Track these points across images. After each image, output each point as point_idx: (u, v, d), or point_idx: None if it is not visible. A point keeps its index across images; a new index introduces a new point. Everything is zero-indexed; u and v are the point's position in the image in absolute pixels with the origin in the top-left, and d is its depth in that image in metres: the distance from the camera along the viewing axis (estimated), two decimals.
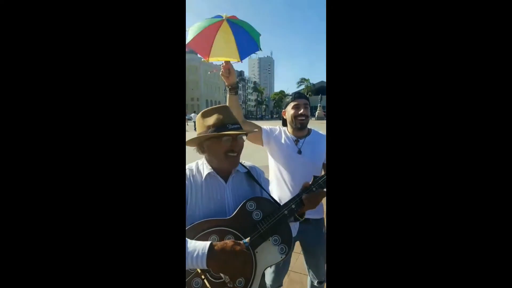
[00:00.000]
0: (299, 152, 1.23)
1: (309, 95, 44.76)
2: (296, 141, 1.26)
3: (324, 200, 1.30)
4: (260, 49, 1.32)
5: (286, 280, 1.76)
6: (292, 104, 1.26)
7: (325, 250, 1.32)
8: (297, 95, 1.29)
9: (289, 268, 1.81)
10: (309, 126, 1.33)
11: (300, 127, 1.25)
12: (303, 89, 45.70)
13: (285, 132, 1.32)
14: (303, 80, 46.94)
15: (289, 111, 1.27)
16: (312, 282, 1.40)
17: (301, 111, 1.23)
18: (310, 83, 47.06)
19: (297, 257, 1.99)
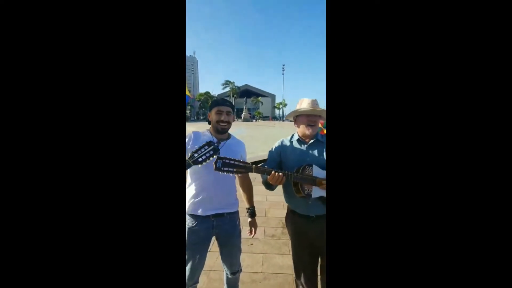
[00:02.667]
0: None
1: (235, 97, 45.72)
2: (218, 143, 1.40)
3: (241, 196, 1.46)
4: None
5: (205, 280, 1.84)
6: (215, 109, 1.39)
7: (239, 242, 1.48)
8: (221, 102, 1.41)
9: (209, 268, 1.90)
10: (237, 127, 1.45)
11: (221, 132, 1.39)
12: (228, 91, 46.31)
13: (208, 135, 1.43)
14: (228, 83, 47.57)
15: (212, 116, 1.40)
16: (227, 275, 1.52)
17: (223, 117, 1.37)
18: (235, 86, 48.10)
19: (217, 256, 2.10)
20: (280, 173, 1.19)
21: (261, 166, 1.36)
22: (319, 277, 1.41)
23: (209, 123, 1.47)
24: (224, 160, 1.13)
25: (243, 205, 1.53)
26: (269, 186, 1.33)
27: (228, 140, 1.45)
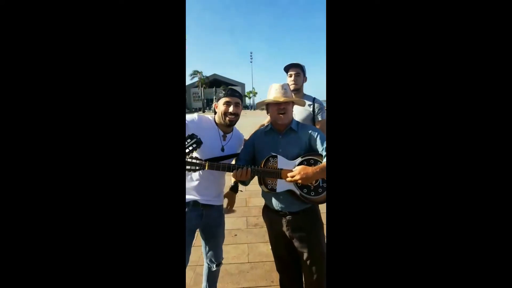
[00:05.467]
0: (222, 149, 1.30)
1: (204, 87, 44.46)
2: (224, 137, 1.32)
3: (226, 190, 1.42)
4: None
5: (192, 275, 1.80)
6: (223, 100, 1.27)
7: (223, 232, 1.45)
8: (230, 92, 1.30)
9: (195, 263, 1.86)
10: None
11: (229, 125, 1.29)
12: (197, 81, 44.87)
13: (214, 126, 1.32)
14: (195, 73, 45.96)
15: (220, 106, 1.29)
16: (210, 268, 1.48)
17: (231, 109, 1.27)
18: (203, 76, 46.66)
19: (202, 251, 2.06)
20: (246, 169, 1.13)
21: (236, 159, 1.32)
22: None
23: (215, 113, 1.35)
24: None
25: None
26: (242, 182, 1.27)
27: (233, 133, 1.37)
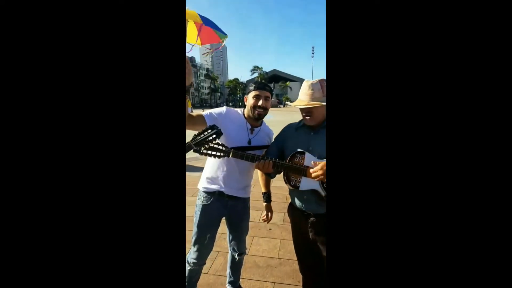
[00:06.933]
0: (249, 142, 1.30)
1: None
2: (252, 130, 1.32)
3: (255, 181, 1.43)
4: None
5: (222, 261, 1.89)
6: (253, 93, 1.27)
7: (248, 225, 1.47)
8: (261, 86, 1.29)
9: (226, 250, 1.95)
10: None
11: (257, 118, 1.29)
12: (257, 77, 45.96)
13: (242, 119, 1.33)
14: (256, 68, 47.11)
15: (249, 100, 1.29)
16: (233, 256, 1.52)
17: (260, 102, 1.25)
18: (263, 71, 47.47)
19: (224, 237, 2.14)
20: (268, 160, 1.10)
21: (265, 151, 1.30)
22: None
23: (244, 106, 1.35)
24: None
25: (253, 189, 1.49)
26: (268, 174, 1.23)
27: (262, 127, 1.36)
